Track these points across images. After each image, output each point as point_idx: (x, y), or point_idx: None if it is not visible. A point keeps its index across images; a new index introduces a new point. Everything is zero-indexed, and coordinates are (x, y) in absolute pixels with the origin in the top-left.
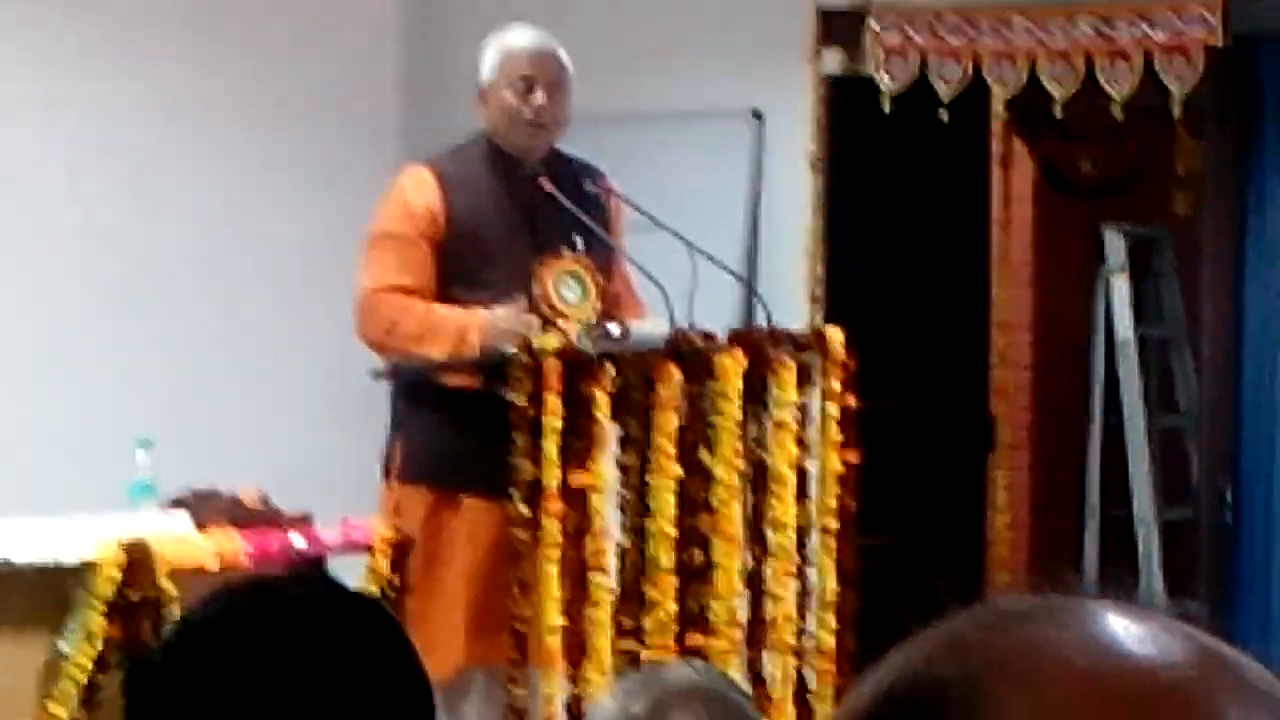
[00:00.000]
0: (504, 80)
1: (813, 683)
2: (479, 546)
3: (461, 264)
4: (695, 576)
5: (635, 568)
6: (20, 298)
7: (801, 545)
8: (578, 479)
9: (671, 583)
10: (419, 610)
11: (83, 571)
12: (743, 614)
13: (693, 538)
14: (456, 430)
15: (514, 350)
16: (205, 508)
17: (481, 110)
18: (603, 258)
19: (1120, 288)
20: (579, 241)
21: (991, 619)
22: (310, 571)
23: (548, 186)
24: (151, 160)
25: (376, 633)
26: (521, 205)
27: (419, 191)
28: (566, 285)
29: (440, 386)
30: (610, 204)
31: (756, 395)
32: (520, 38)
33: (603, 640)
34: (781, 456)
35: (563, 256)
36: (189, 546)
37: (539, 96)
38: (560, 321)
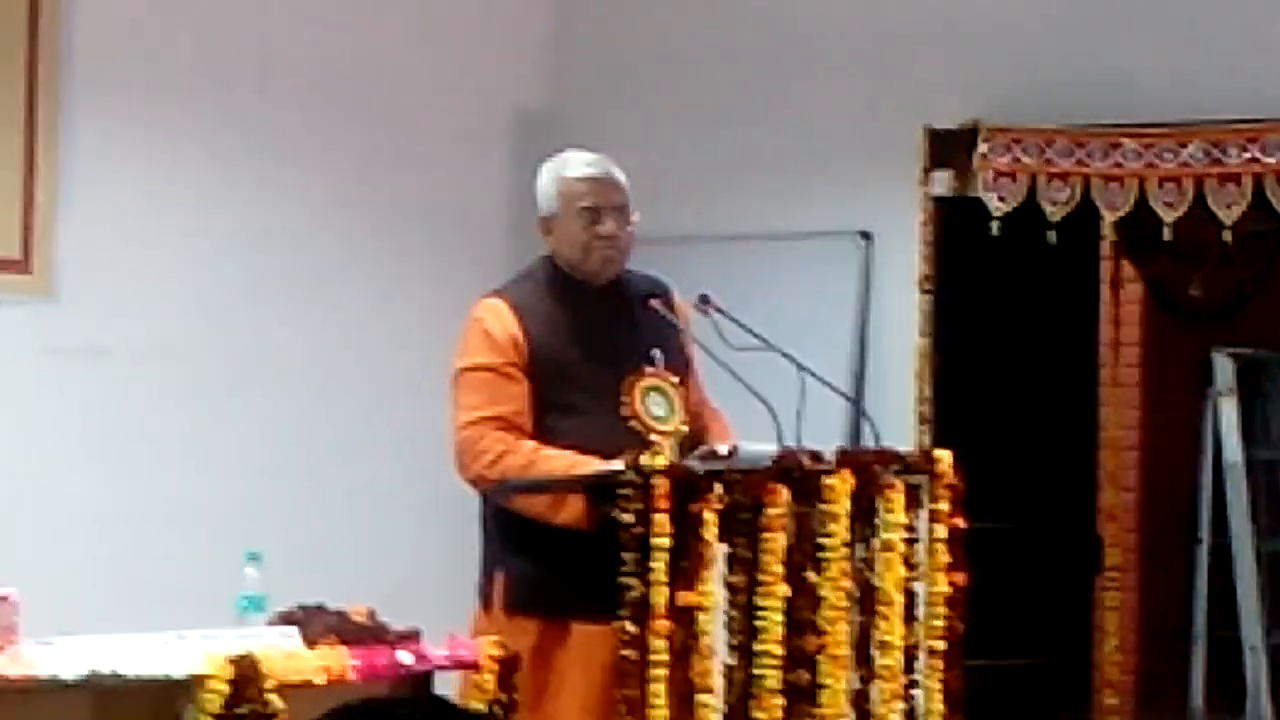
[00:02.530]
0: (568, 211)
1: None
2: (593, 672)
3: (547, 390)
4: (802, 697)
5: (742, 688)
6: (132, 415)
7: (909, 667)
8: (685, 598)
9: (778, 703)
10: None
11: (191, 685)
12: None
13: (800, 658)
14: (564, 559)
15: (622, 467)
16: (313, 623)
17: (547, 239)
18: (680, 372)
19: (1228, 410)
20: (657, 356)
21: None
22: (421, 692)
23: (655, 305)
24: (270, 282)
25: None
26: (596, 327)
27: (500, 323)
28: (653, 401)
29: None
30: (679, 317)
31: (865, 516)
32: (577, 166)
33: None
34: (889, 578)
35: (644, 373)
36: (297, 661)
37: (608, 225)
38: (652, 437)
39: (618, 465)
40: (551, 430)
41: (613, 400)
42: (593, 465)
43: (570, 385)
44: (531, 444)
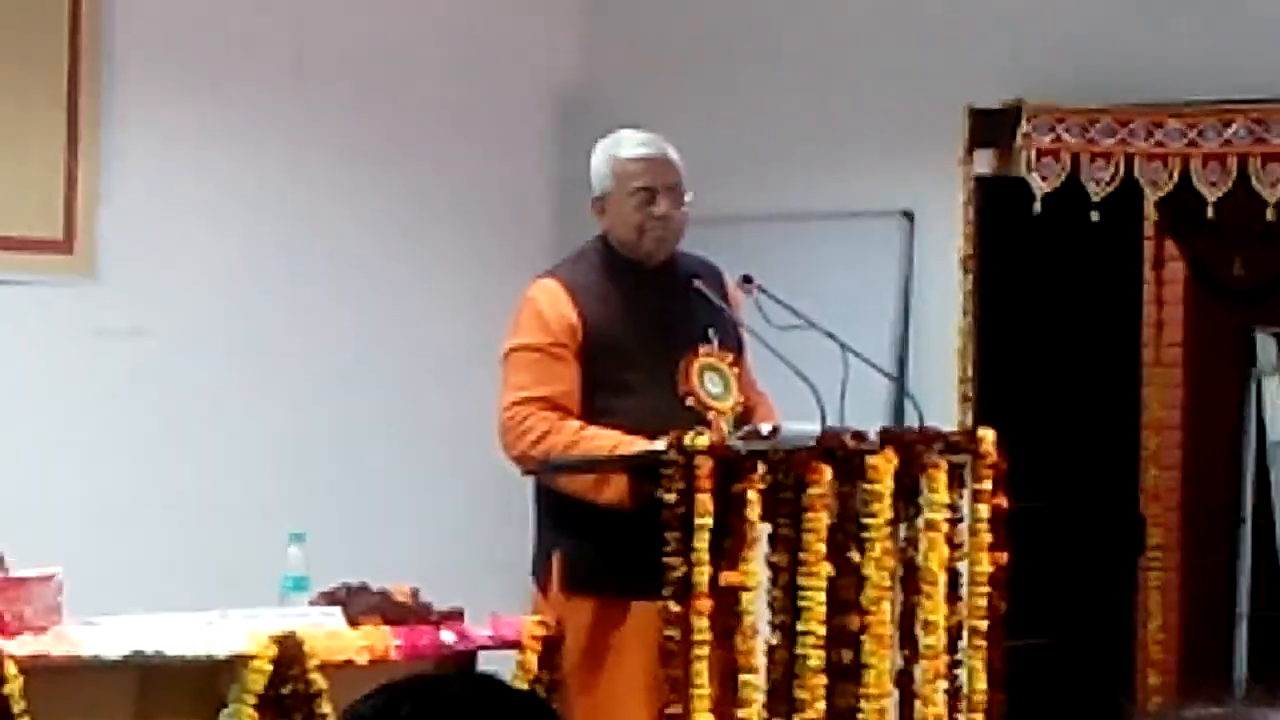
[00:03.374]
0: (622, 191)
1: None
2: (652, 650)
3: (603, 370)
4: (845, 676)
5: (785, 667)
6: (173, 395)
7: (952, 646)
8: (728, 577)
9: (821, 682)
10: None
11: (235, 664)
12: (892, 714)
13: (842, 637)
14: (620, 539)
15: (665, 446)
16: (356, 602)
17: (599, 219)
18: (733, 352)
19: (1271, 389)
20: (711, 335)
21: None
22: (471, 670)
23: (699, 287)
24: (311, 263)
25: None
26: (650, 307)
27: (553, 304)
28: (709, 380)
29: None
30: (730, 299)
31: (907, 495)
32: (633, 146)
33: None
34: (932, 557)
35: (699, 353)
36: (340, 641)
37: (662, 205)
38: (709, 415)
39: (661, 445)
40: (606, 409)
41: (667, 379)
42: (637, 445)
43: (625, 365)
44: (576, 423)
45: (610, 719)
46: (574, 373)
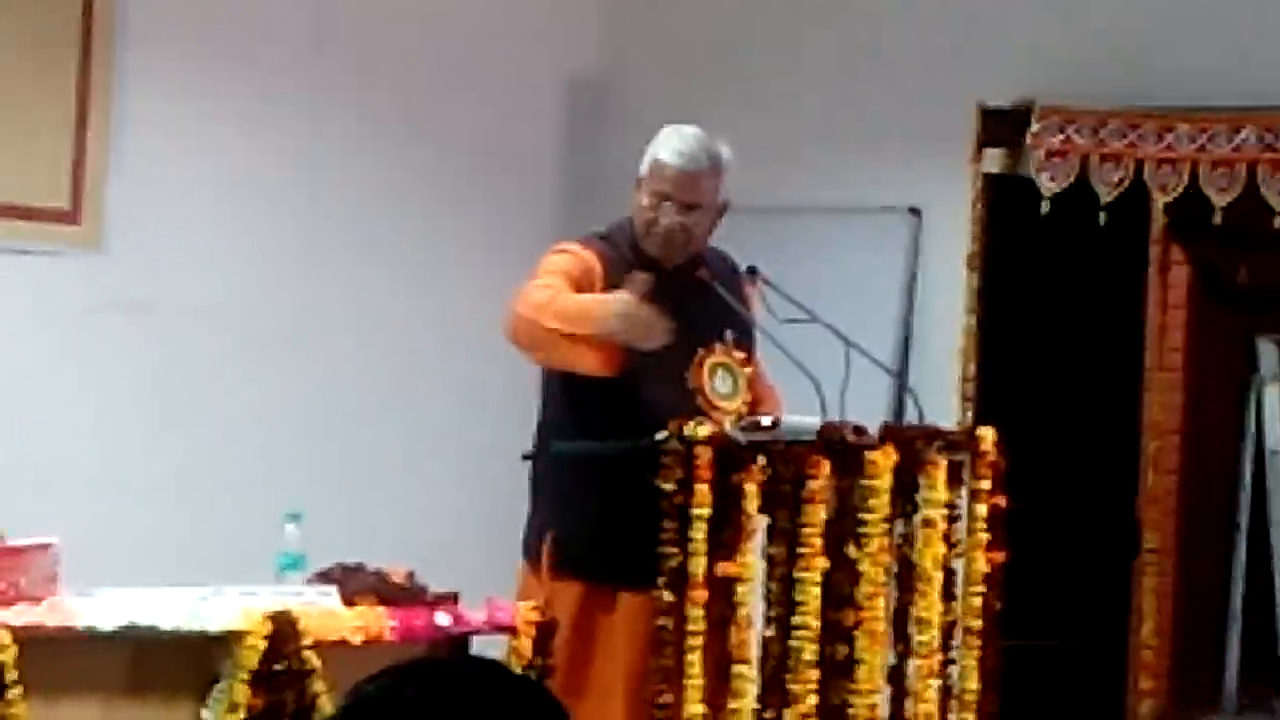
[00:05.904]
0: (647, 186)
1: None
2: (637, 641)
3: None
4: (838, 671)
5: (778, 660)
6: (177, 369)
7: (946, 644)
8: (724, 568)
9: (814, 676)
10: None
11: (229, 641)
12: (884, 710)
13: (837, 632)
14: (612, 525)
15: (665, 435)
16: (352, 582)
17: (634, 195)
18: (747, 351)
19: (1271, 398)
20: (728, 333)
21: None
22: (477, 656)
23: (706, 277)
24: (318, 240)
25: (542, 716)
26: (671, 297)
27: (583, 266)
28: (720, 378)
29: (593, 479)
30: (744, 291)
31: (906, 492)
32: (673, 151)
33: None
34: (928, 554)
35: (714, 350)
36: (334, 620)
37: (667, 218)
38: (714, 414)
39: (661, 434)
40: (616, 397)
41: (680, 372)
42: (607, 301)
43: (640, 352)
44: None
45: (595, 706)
46: None
